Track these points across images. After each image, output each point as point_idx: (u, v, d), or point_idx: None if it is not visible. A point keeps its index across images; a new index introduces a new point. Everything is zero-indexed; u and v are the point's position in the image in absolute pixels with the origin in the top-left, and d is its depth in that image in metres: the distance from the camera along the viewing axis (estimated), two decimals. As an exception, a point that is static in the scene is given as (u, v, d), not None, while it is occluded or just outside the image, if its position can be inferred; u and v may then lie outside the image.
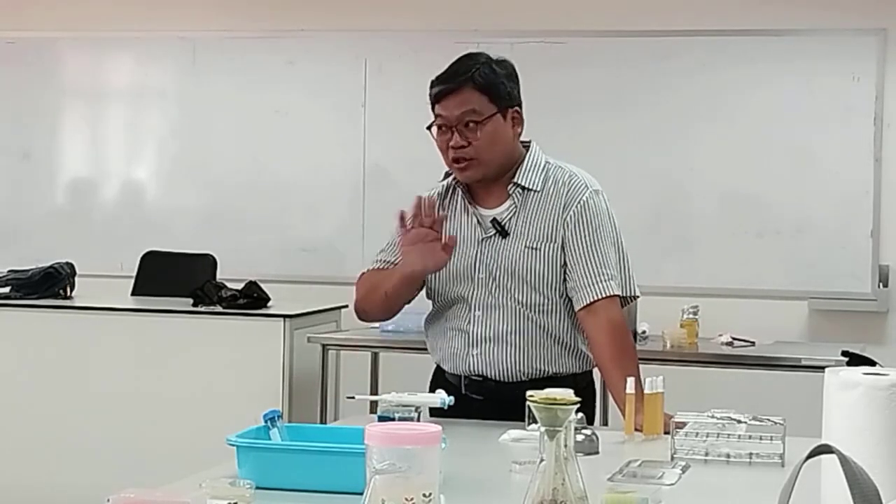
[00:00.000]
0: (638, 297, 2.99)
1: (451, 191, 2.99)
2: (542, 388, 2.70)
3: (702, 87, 6.22)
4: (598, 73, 6.28)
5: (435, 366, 3.08)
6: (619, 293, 2.89)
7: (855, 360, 4.56)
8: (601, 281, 2.86)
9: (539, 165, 2.94)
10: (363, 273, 3.04)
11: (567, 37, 6.23)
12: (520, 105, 2.93)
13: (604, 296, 2.85)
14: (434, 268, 2.86)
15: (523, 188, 2.91)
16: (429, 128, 2.90)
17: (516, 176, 2.91)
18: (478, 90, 2.84)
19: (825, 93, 6.09)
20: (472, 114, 2.83)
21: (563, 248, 2.88)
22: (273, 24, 6.67)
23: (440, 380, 2.98)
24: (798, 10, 6.13)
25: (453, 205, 2.97)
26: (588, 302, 2.85)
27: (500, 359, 2.88)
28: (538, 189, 2.91)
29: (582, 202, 2.89)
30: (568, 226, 2.88)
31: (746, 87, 6.15)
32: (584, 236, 2.88)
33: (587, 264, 2.86)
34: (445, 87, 2.86)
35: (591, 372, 3.01)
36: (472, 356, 2.90)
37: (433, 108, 2.90)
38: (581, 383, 2.93)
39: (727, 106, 6.19)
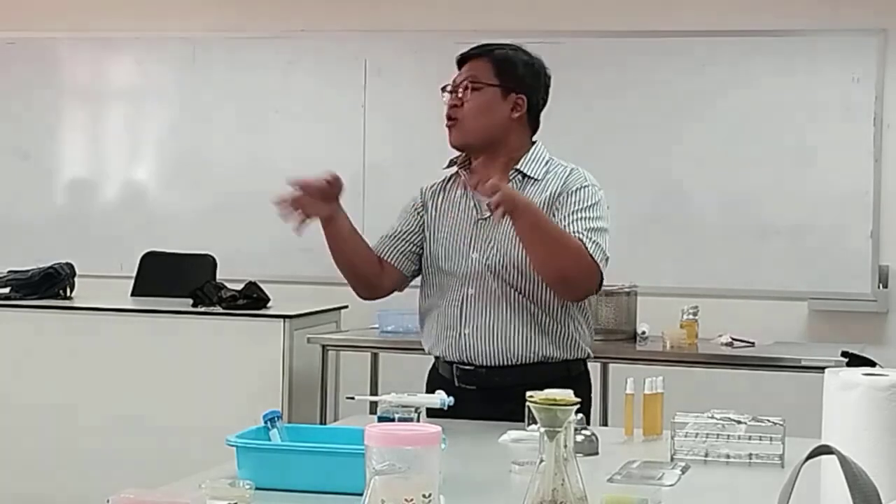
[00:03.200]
0: (602, 276, 2.89)
1: (453, 177, 3.05)
2: (532, 373, 2.77)
3: (701, 87, 6.22)
4: (598, 73, 6.27)
5: (430, 365, 3.09)
6: (597, 258, 2.82)
7: (855, 360, 4.56)
8: (583, 234, 2.83)
9: (542, 159, 2.99)
10: None
11: (566, 37, 6.21)
12: (529, 98, 2.99)
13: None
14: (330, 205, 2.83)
15: (524, 175, 2.95)
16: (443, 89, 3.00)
17: (519, 163, 2.96)
18: (490, 63, 2.97)
19: (825, 93, 6.08)
20: (471, 79, 2.96)
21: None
22: (273, 24, 6.67)
23: (436, 379, 2.99)
24: (798, 10, 6.12)
25: (454, 188, 3.03)
26: None
27: (492, 339, 2.89)
28: (539, 178, 2.94)
29: (580, 186, 2.91)
30: (562, 200, 2.89)
31: (746, 87, 6.14)
32: (577, 204, 2.87)
33: (573, 216, 2.85)
34: (465, 53, 3.01)
35: (584, 361, 3.00)
36: (465, 335, 2.91)
37: None
38: (574, 371, 2.95)
39: (727, 106, 6.18)
